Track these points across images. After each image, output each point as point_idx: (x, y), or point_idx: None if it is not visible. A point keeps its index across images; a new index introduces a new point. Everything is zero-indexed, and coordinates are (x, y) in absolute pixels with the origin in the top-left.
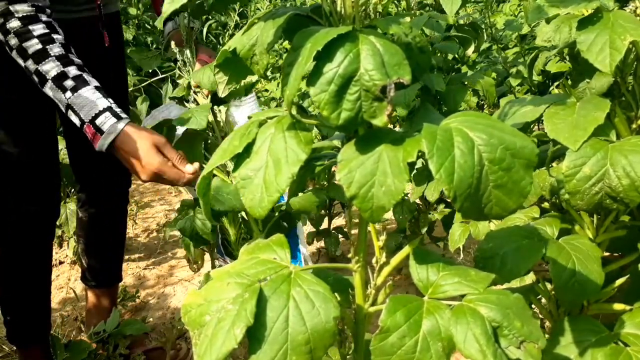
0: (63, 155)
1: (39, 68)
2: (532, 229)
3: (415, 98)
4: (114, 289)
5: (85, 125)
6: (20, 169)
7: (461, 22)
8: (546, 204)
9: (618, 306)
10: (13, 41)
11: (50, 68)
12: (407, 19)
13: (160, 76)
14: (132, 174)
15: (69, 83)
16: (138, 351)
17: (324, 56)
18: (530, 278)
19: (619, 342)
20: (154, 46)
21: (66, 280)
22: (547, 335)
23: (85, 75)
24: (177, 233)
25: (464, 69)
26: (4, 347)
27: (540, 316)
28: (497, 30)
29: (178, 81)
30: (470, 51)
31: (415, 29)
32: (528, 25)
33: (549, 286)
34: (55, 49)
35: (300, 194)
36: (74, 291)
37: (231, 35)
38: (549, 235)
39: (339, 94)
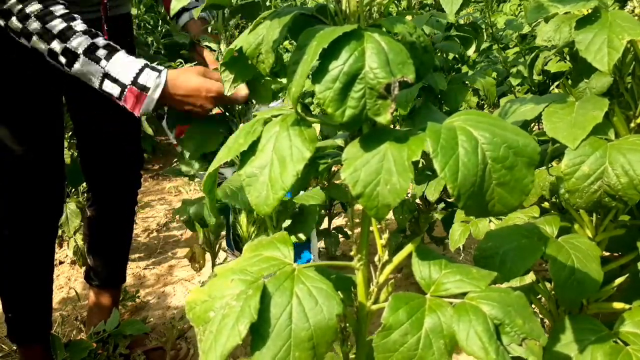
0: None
1: (68, 45)
2: (532, 227)
3: (416, 97)
4: (117, 289)
5: (127, 90)
6: (26, 165)
7: (461, 21)
8: (546, 204)
9: (617, 305)
10: (34, 25)
11: (79, 43)
12: (409, 17)
13: None
14: (196, 111)
15: (101, 52)
16: (138, 351)
17: (330, 54)
18: (530, 277)
19: (618, 341)
20: (155, 46)
21: (66, 280)
22: (547, 335)
23: (112, 43)
24: (177, 233)
25: (465, 68)
26: (4, 346)
27: (540, 315)
28: (498, 29)
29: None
30: (470, 51)
31: (419, 28)
32: (528, 25)
33: (548, 285)
34: (79, 26)
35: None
36: (75, 291)
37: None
38: (549, 234)
39: (344, 91)
